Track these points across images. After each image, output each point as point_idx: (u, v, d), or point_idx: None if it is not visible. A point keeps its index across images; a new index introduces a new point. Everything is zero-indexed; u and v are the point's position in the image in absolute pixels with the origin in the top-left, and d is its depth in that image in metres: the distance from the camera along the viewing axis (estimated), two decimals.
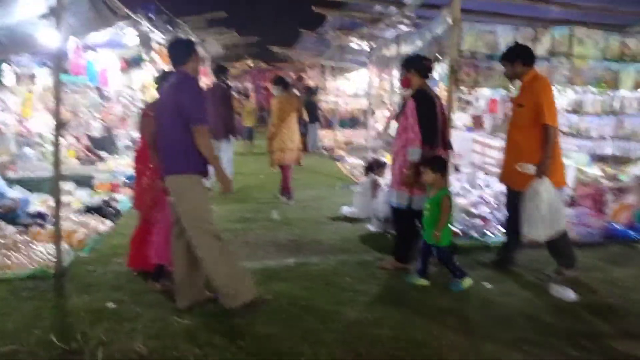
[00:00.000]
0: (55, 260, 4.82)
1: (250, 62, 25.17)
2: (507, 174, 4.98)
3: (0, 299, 4.32)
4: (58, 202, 4.82)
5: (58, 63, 4.87)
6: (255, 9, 26.42)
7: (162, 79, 4.54)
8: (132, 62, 8.93)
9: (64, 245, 5.13)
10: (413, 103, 4.76)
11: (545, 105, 4.57)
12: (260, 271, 4.95)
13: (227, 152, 8.75)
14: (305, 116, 9.11)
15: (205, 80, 18.34)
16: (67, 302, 4.31)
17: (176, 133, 3.91)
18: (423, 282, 4.62)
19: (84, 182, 8.42)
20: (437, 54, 6.53)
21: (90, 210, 6.74)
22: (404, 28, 8.42)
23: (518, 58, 4.80)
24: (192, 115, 3.86)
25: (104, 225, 6.29)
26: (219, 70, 9.19)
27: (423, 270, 4.64)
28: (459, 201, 6.36)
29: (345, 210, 7.04)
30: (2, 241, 5.24)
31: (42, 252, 5.14)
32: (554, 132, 4.60)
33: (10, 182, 7.80)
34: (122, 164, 10.90)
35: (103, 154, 11.62)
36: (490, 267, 5.16)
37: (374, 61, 10.35)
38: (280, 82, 8.25)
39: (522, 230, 4.69)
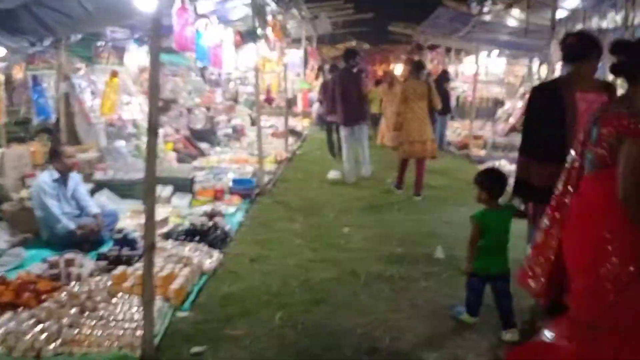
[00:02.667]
0: (144, 333, 3.12)
1: (353, 44, 23.16)
2: None
3: None
4: (152, 246, 3.10)
5: (156, 34, 3.10)
6: None
7: None
8: (247, 37, 7.17)
9: (158, 301, 3.47)
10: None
11: None
12: None
13: (363, 140, 8.41)
14: (438, 104, 7.72)
15: (312, 61, 16.85)
16: None
17: None
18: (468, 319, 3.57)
19: (183, 185, 6.85)
20: None
21: (192, 233, 5.06)
22: None
23: None
24: None
25: (210, 259, 4.58)
26: (349, 55, 8.61)
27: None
28: None
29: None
30: (75, 297, 3.62)
31: (126, 313, 3.50)
32: None
33: (99, 185, 6.36)
34: (225, 160, 9.37)
35: (204, 145, 10.17)
36: None
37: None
38: (417, 66, 7.66)
39: None
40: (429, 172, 8.30)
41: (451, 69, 15.58)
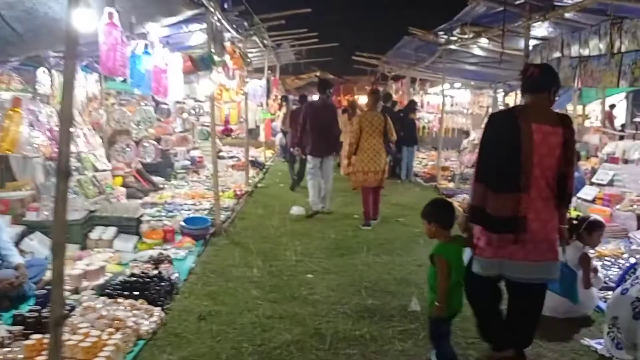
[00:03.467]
0: None
1: (317, 74, 22.85)
2: None
3: None
4: (60, 319, 2.44)
5: (71, 54, 2.51)
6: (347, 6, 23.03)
7: None
8: (202, 64, 6.56)
9: None
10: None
11: None
12: None
13: (328, 173, 8.13)
14: (393, 136, 7.69)
15: (275, 91, 16.40)
16: None
17: None
18: None
19: (128, 226, 6.15)
20: None
21: (131, 286, 4.37)
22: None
23: None
24: None
25: (150, 318, 3.90)
26: (324, 85, 8.65)
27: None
28: None
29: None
30: None
31: None
32: None
33: (30, 227, 5.62)
34: (180, 194, 8.70)
35: (158, 179, 9.48)
36: None
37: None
38: (374, 98, 7.87)
39: None
40: (398, 207, 7.87)
41: (416, 100, 15.38)
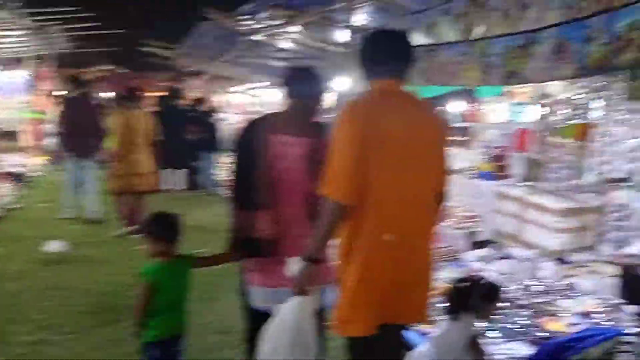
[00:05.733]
0: None
1: (110, 67, 19.98)
2: None
3: None
4: None
5: None
6: None
7: None
8: None
9: None
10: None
11: None
12: None
13: (89, 178, 7.57)
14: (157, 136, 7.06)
15: (44, 85, 13.54)
16: None
17: None
18: None
19: None
20: None
21: None
22: None
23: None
24: None
25: None
26: (76, 81, 7.91)
27: None
28: None
29: None
30: None
31: None
32: None
33: None
34: None
35: None
36: None
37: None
38: (121, 96, 7.01)
39: None
40: (198, 231, 6.21)
41: (219, 99, 13.86)
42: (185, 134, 9.63)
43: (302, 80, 2.82)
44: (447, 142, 2.52)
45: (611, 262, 4.75)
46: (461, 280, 3.11)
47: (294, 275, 2.36)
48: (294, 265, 2.38)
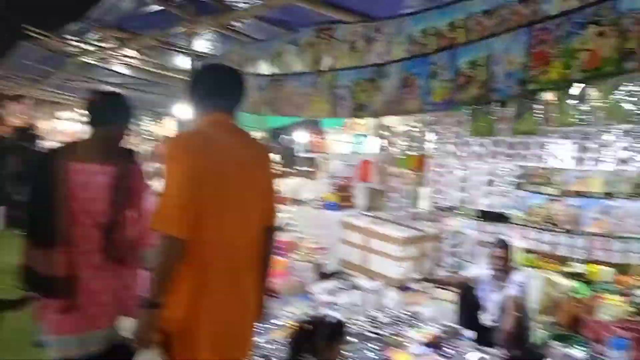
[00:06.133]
0: None
1: None
2: None
3: None
4: None
5: None
6: None
7: None
8: None
9: None
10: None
11: None
12: None
13: None
14: None
15: None
16: None
17: None
18: None
19: None
20: None
21: None
22: None
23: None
24: None
25: None
26: None
27: None
28: None
29: None
30: None
31: None
32: None
33: None
34: None
35: None
36: None
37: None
38: None
39: None
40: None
41: (45, 125, 12.60)
42: (4, 165, 8.51)
43: (106, 106, 2.65)
44: (274, 175, 2.49)
45: (448, 288, 4.97)
46: (306, 321, 2.96)
47: (134, 328, 2.10)
48: (130, 318, 2.15)
